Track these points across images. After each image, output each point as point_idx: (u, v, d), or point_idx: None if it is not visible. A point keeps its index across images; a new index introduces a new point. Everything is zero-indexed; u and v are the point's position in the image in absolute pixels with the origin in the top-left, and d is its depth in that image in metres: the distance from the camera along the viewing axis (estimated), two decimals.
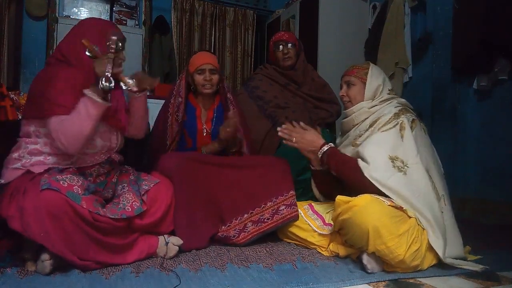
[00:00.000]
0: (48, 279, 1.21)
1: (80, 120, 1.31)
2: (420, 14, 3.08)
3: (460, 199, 2.63)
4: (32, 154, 1.41)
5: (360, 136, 1.62)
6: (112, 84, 1.31)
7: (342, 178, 1.58)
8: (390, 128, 1.52)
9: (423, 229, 1.40)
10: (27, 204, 1.21)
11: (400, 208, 1.38)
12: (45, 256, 1.23)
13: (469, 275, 1.38)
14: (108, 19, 3.93)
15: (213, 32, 4.42)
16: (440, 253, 1.37)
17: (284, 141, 1.66)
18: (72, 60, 1.42)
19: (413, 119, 1.56)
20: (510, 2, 2.35)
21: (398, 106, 1.61)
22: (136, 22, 4.03)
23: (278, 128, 1.67)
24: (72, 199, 1.24)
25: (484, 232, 2.11)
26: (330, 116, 2.39)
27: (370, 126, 1.60)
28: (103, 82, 1.29)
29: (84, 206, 1.25)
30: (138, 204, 1.43)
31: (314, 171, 1.73)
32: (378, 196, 1.39)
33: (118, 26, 3.79)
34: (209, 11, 4.39)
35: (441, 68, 2.87)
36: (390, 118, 1.55)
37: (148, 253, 1.44)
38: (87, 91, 1.31)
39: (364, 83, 1.69)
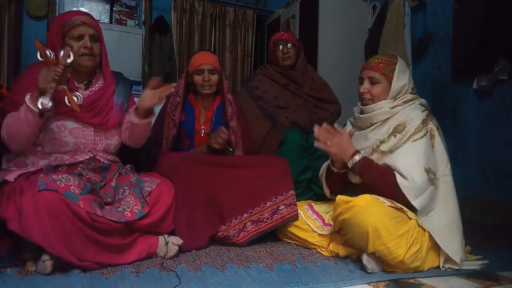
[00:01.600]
0: (48, 279, 1.21)
1: (19, 122, 1.29)
2: (420, 14, 3.08)
3: (460, 199, 2.62)
4: (17, 153, 1.42)
5: (383, 142, 1.52)
6: (50, 106, 1.23)
7: (373, 187, 1.46)
8: (422, 137, 1.45)
9: (424, 230, 1.39)
10: (25, 205, 1.21)
11: (400, 209, 1.38)
12: (45, 257, 1.23)
13: (469, 275, 1.38)
14: (108, 19, 3.93)
15: (213, 32, 4.41)
16: (457, 261, 1.38)
17: (316, 143, 1.54)
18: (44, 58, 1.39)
19: (438, 126, 1.51)
20: (510, 2, 2.35)
21: (424, 110, 1.53)
22: (136, 22, 4.02)
23: (316, 128, 1.54)
24: (70, 198, 1.24)
25: (484, 232, 2.11)
26: (330, 116, 2.38)
27: (396, 131, 1.50)
28: (43, 100, 1.22)
29: (81, 206, 1.25)
30: (139, 208, 1.42)
31: (334, 173, 1.63)
32: (378, 197, 1.39)
33: (118, 26, 3.84)
34: (209, 11, 4.38)
35: (441, 68, 2.87)
36: (419, 126, 1.47)
37: (148, 253, 1.44)
38: (27, 98, 1.26)
39: (390, 81, 1.56)
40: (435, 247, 1.40)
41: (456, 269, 1.40)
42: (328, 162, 1.68)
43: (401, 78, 1.56)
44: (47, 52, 1.27)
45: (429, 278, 1.35)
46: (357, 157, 1.48)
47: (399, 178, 1.40)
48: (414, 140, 1.45)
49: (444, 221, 1.42)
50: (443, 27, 2.84)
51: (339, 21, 3.56)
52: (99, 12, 3.97)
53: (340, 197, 1.42)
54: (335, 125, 1.56)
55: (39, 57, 1.26)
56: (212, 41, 4.41)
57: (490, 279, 1.34)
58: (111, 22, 3.92)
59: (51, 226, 1.20)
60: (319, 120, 2.29)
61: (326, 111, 2.38)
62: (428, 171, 1.42)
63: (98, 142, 1.52)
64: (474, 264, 1.44)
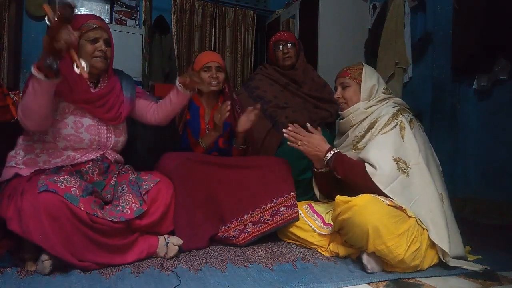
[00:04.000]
0: (48, 279, 1.21)
1: (29, 97, 1.29)
2: (420, 14, 3.08)
3: (460, 199, 2.63)
4: (25, 151, 1.42)
5: (360, 139, 1.62)
6: (55, 66, 1.21)
7: (348, 181, 1.57)
8: (391, 130, 1.52)
9: (423, 228, 1.40)
10: (25, 206, 1.21)
11: (399, 208, 1.39)
12: (44, 256, 1.23)
13: (469, 275, 1.38)
14: (108, 19, 3.93)
15: (213, 32, 4.41)
16: (446, 249, 1.37)
17: (288, 143, 1.65)
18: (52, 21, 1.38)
19: (411, 119, 1.57)
20: (510, 2, 2.35)
21: (395, 106, 1.61)
22: (136, 22, 4.02)
23: (284, 130, 1.65)
24: (70, 200, 1.24)
25: (484, 232, 2.10)
26: (330, 116, 2.39)
27: (369, 128, 1.59)
28: (48, 62, 1.20)
29: (82, 208, 1.25)
30: (137, 206, 1.42)
31: (316, 173, 1.73)
32: (377, 196, 1.39)
33: (118, 26, 3.85)
34: (209, 11, 4.39)
35: (441, 68, 2.87)
36: (389, 119, 1.55)
37: (148, 253, 1.44)
38: (32, 67, 1.24)
39: (359, 84, 1.68)
40: (434, 244, 1.41)
41: (456, 269, 1.40)
42: None
43: (369, 79, 1.68)
44: (54, 17, 1.23)
45: (429, 278, 1.35)
46: (331, 153, 1.58)
47: (368, 168, 1.46)
48: (384, 133, 1.53)
49: (425, 207, 1.43)
50: (443, 27, 2.84)
51: (339, 21, 3.56)
52: (99, 12, 3.97)
53: (339, 197, 1.43)
54: (307, 125, 1.65)
55: (46, 21, 1.22)
56: (212, 41, 4.41)
57: (490, 279, 1.34)
58: (111, 22, 3.92)
59: (51, 227, 1.20)
60: (319, 120, 2.31)
61: (326, 111, 2.38)
62: (397, 160, 1.46)
63: (109, 139, 1.55)
64: (474, 264, 1.44)
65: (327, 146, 1.61)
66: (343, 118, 1.74)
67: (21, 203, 1.22)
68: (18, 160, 1.42)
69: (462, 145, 2.80)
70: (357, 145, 1.62)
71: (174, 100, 1.66)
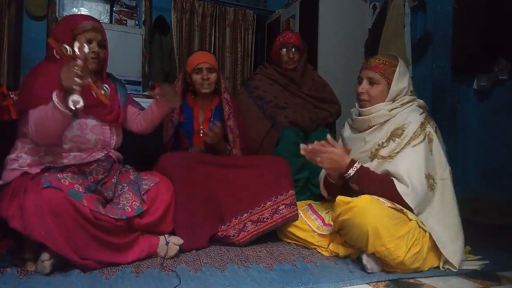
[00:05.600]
0: (48, 279, 1.21)
1: (47, 121, 1.29)
2: (420, 14, 3.08)
3: (460, 199, 2.62)
4: (29, 153, 1.42)
5: (382, 147, 1.49)
6: (81, 105, 1.21)
7: (372, 195, 1.42)
8: (421, 142, 1.43)
9: (425, 231, 1.39)
10: (28, 202, 1.21)
11: (400, 210, 1.37)
12: (45, 256, 1.23)
13: (469, 275, 1.38)
14: (108, 19, 3.93)
15: (213, 32, 4.41)
16: (456, 264, 1.38)
17: (307, 159, 1.52)
18: (53, 56, 1.42)
19: (436, 128, 1.50)
20: (510, 2, 2.35)
21: (422, 113, 1.51)
22: (136, 22, 4.02)
23: (302, 147, 1.49)
24: (73, 197, 1.24)
25: (484, 232, 2.11)
26: (330, 116, 2.39)
27: (394, 135, 1.47)
28: (72, 100, 1.19)
29: (85, 204, 1.26)
30: (138, 204, 1.43)
31: (329, 182, 1.63)
32: (378, 197, 1.38)
33: (118, 26, 3.84)
34: (209, 11, 4.38)
35: (441, 68, 2.87)
36: (417, 130, 1.44)
37: (148, 252, 1.44)
38: (54, 97, 1.22)
39: (389, 83, 1.52)
40: (435, 247, 1.40)
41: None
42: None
43: (401, 80, 1.53)
44: (63, 48, 1.27)
45: (429, 278, 1.35)
46: (352, 169, 1.45)
47: (398, 186, 1.38)
48: (414, 146, 1.43)
49: (442, 223, 1.41)
50: (443, 27, 2.84)
51: (339, 21, 3.55)
52: (99, 12, 3.97)
53: (340, 198, 1.42)
54: (328, 136, 1.50)
55: (55, 55, 1.27)
56: (212, 41, 4.41)
57: (490, 279, 1.34)
58: (111, 22, 3.92)
59: (53, 224, 1.20)
60: (319, 120, 2.31)
61: (326, 111, 2.38)
62: (428, 176, 1.40)
63: (112, 138, 1.57)
64: (474, 264, 1.44)
65: (348, 159, 1.46)
66: (361, 115, 1.59)
67: (24, 200, 1.22)
68: (23, 163, 1.40)
69: (462, 145, 2.79)
70: (379, 153, 1.49)
71: (154, 109, 1.65)
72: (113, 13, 3.97)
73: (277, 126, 2.21)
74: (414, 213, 1.39)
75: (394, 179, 1.40)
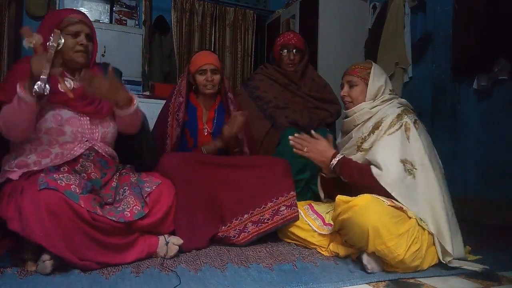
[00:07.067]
0: (48, 279, 1.21)
1: (13, 111, 1.30)
2: (420, 14, 3.08)
3: (460, 199, 2.63)
4: (17, 153, 1.42)
5: (364, 140, 1.62)
6: (47, 89, 1.27)
7: (355, 184, 1.55)
8: (396, 130, 1.52)
9: (424, 229, 1.40)
10: (25, 204, 1.21)
11: (400, 208, 1.39)
12: (45, 256, 1.23)
13: (469, 275, 1.38)
14: (108, 19, 3.93)
15: (213, 32, 4.41)
16: (449, 250, 1.38)
17: (294, 150, 1.64)
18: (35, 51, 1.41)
19: (415, 119, 1.56)
20: (510, 2, 2.35)
21: (400, 107, 1.60)
22: (136, 22, 4.02)
23: (290, 137, 1.64)
24: (70, 197, 1.24)
25: (484, 232, 2.11)
26: (330, 116, 2.39)
27: (374, 128, 1.59)
28: (38, 85, 1.25)
29: (82, 205, 1.25)
30: (139, 208, 1.42)
31: (324, 178, 1.72)
32: (378, 196, 1.39)
33: (118, 26, 3.84)
34: (209, 11, 4.38)
35: (441, 68, 2.87)
36: (393, 120, 1.54)
37: (148, 252, 1.44)
38: (18, 86, 1.26)
39: (367, 83, 1.68)
40: (434, 244, 1.41)
41: (456, 269, 1.40)
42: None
43: (377, 80, 1.68)
44: (33, 39, 1.28)
45: (429, 278, 1.35)
46: (336, 159, 1.57)
47: (374, 170, 1.46)
48: (390, 134, 1.52)
49: (429, 208, 1.43)
50: (443, 27, 2.84)
51: (339, 21, 3.56)
52: (99, 12, 3.97)
53: (340, 197, 1.43)
54: (312, 131, 1.65)
55: (24, 44, 1.28)
56: (212, 41, 4.41)
57: (490, 279, 1.34)
58: (111, 22, 3.92)
59: (51, 225, 1.20)
60: (319, 120, 2.31)
61: (326, 111, 2.38)
62: (404, 161, 1.46)
63: (95, 131, 1.51)
64: (474, 266, 1.44)
65: (333, 151, 1.60)
66: (347, 117, 1.74)
67: (21, 201, 1.22)
68: (11, 164, 1.41)
69: (462, 145, 2.79)
70: (362, 146, 1.61)
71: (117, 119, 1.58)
72: (113, 13, 3.97)
73: (277, 126, 2.21)
74: (397, 200, 1.41)
75: (371, 166, 1.48)
